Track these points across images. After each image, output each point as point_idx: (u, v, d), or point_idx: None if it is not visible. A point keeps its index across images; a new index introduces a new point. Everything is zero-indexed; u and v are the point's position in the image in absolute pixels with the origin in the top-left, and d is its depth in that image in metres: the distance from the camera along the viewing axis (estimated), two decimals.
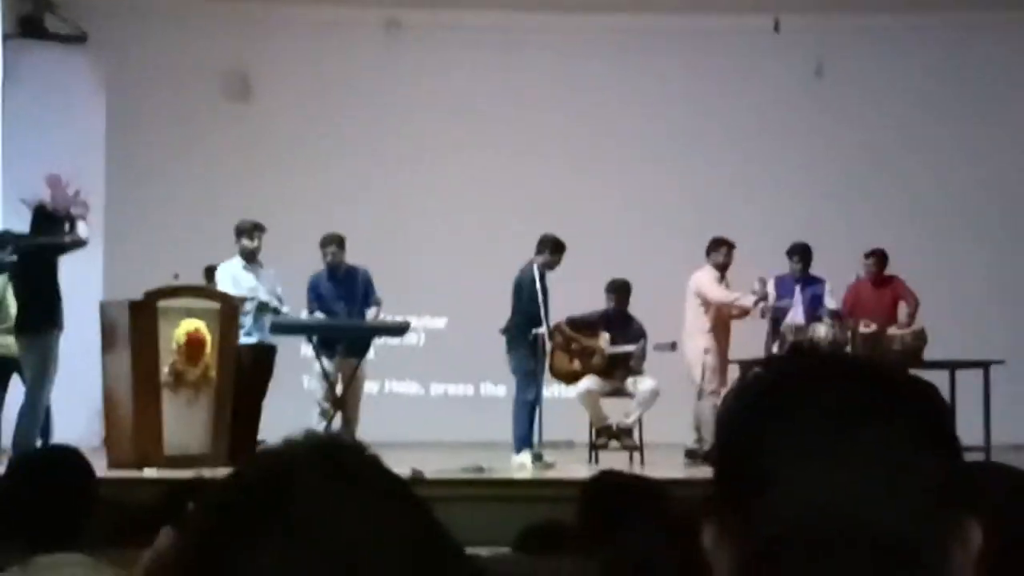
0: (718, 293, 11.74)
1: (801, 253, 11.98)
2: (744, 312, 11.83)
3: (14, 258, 10.43)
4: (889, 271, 12.19)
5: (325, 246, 11.61)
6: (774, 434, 1.18)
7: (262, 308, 11.04)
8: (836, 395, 1.19)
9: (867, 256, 12.19)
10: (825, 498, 1.15)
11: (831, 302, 11.90)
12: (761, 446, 1.19)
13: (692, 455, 11.34)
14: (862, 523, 1.15)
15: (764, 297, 11.76)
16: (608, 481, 4.21)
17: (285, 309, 11.30)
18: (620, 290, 11.83)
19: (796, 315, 11.82)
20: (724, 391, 11.28)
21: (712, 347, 11.67)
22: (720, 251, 11.81)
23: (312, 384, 12.32)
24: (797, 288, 11.91)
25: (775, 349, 11.59)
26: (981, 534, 1.18)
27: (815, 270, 12.05)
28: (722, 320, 11.79)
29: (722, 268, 11.81)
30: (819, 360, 1.27)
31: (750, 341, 11.73)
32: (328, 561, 1.11)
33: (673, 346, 11.56)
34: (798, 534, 1.16)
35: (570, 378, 11.62)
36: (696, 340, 11.74)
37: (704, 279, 11.80)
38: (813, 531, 1.15)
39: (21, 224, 10.81)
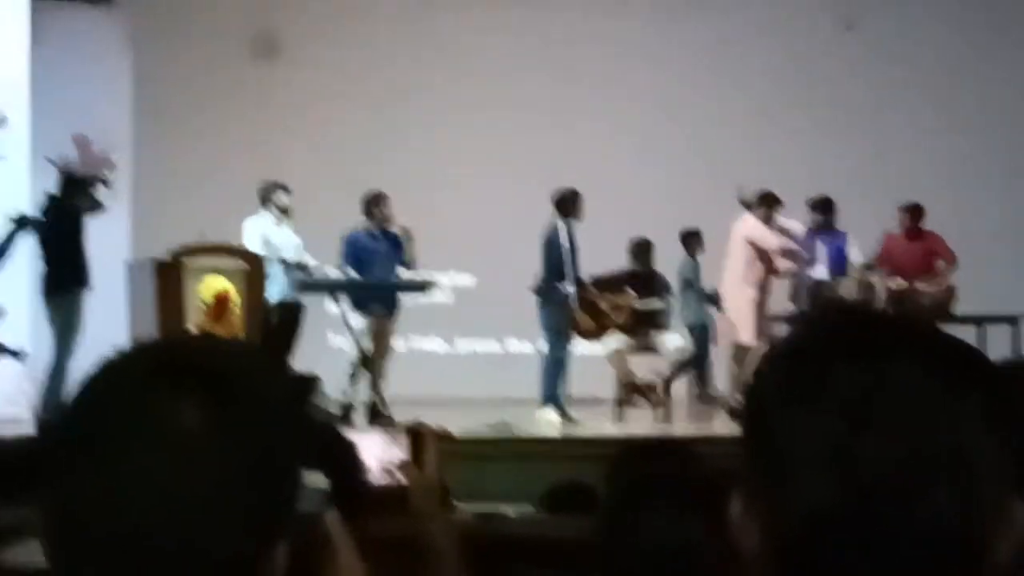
0: (775, 240, 11.41)
1: (823, 206, 11.74)
2: (794, 265, 11.57)
3: (39, 219, 10.50)
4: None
5: (377, 204, 11.33)
6: (810, 412, 1.09)
7: (290, 266, 11.05)
8: (888, 368, 1.09)
9: (902, 210, 11.97)
10: (866, 478, 1.06)
11: (857, 255, 11.73)
12: (793, 427, 1.09)
13: (735, 414, 11.13)
14: (902, 505, 1.06)
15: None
16: (636, 454, 4.06)
17: (313, 263, 11.30)
18: (642, 251, 11.77)
19: (819, 270, 11.62)
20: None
21: (760, 299, 11.42)
22: (768, 205, 11.45)
23: (337, 340, 12.33)
24: (819, 242, 11.69)
25: (800, 304, 11.46)
26: None
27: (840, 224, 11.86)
28: (767, 273, 11.55)
29: (766, 222, 11.51)
30: (869, 324, 1.16)
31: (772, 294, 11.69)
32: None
33: None
34: (832, 520, 1.08)
35: (595, 335, 11.57)
36: (745, 291, 11.38)
37: (757, 227, 11.42)
38: (847, 518, 1.07)
39: (48, 182, 10.86)
